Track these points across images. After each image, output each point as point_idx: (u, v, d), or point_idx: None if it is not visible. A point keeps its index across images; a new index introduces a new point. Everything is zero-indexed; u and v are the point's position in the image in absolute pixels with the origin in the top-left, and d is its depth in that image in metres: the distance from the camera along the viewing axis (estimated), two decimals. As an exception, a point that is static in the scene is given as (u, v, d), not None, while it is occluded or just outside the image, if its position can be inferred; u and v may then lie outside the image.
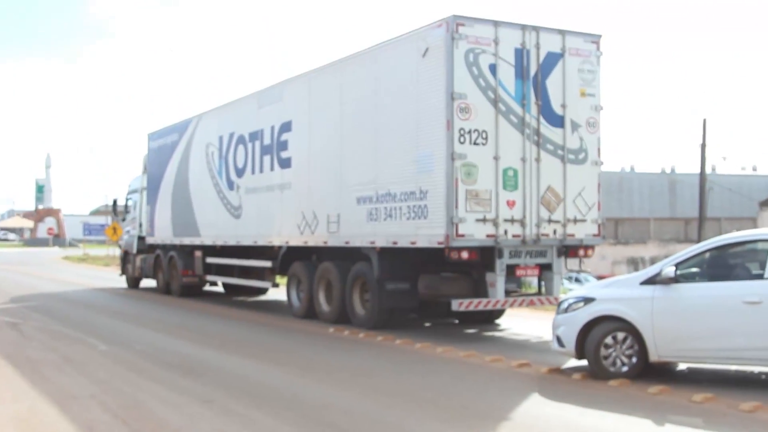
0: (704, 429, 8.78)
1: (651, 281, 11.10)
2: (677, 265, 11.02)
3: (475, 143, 15.13)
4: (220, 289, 28.83)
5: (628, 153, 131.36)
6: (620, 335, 11.22)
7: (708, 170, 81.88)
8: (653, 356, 11.05)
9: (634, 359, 11.22)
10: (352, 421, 9.28)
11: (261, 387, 11.38)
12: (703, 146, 38.97)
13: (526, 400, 10.30)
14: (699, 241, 40.04)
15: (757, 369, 11.57)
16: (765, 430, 8.72)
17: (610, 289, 11.72)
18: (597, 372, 11.30)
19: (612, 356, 11.26)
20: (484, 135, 15.23)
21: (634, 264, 67.79)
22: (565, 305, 11.89)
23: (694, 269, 11.17)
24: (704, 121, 38.79)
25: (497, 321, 18.39)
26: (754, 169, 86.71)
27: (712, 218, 64.55)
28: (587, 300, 11.58)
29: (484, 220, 15.16)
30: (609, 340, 11.24)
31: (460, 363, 13.09)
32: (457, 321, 18.52)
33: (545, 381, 11.55)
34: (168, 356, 14.27)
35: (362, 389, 11.14)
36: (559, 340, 11.88)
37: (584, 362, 11.75)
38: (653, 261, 70.52)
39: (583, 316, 11.50)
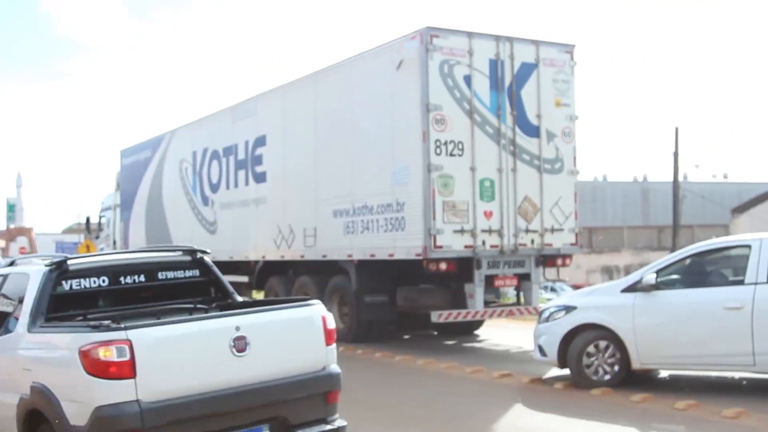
0: (689, 436, 8.75)
1: (632, 289, 11.09)
2: (658, 272, 11.01)
3: (451, 154, 15.09)
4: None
5: (601, 162, 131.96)
6: (602, 343, 11.19)
7: (680, 178, 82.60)
8: (635, 364, 11.03)
9: (616, 367, 11.19)
10: None
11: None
12: (676, 154, 39.20)
13: (509, 411, 10.27)
14: (673, 248, 40.24)
15: (738, 375, 11.57)
16: (749, 435, 8.70)
17: (591, 297, 11.70)
18: (579, 381, 11.26)
19: (594, 365, 11.23)
20: (460, 146, 15.20)
21: (609, 273, 67.98)
22: (546, 314, 11.86)
23: (675, 276, 11.17)
24: (676, 129, 39.04)
25: (476, 332, 18.35)
26: (725, 177, 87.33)
27: (685, 225, 64.78)
28: (568, 308, 11.55)
29: (462, 231, 15.11)
30: (591, 348, 11.21)
31: (442, 375, 13.02)
32: (436, 332, 18.45)
33: (528, 391, 11.50)
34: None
35: (343, 402, 10.95)
36: (540, 349, 11.84)
37: (566, 371, 11.71)
38: (627, 269, 70.80)
39: (564, 324, 11.46)
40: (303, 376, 7.11)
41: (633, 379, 11.32)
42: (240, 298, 9.06)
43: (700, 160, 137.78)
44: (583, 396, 10.81)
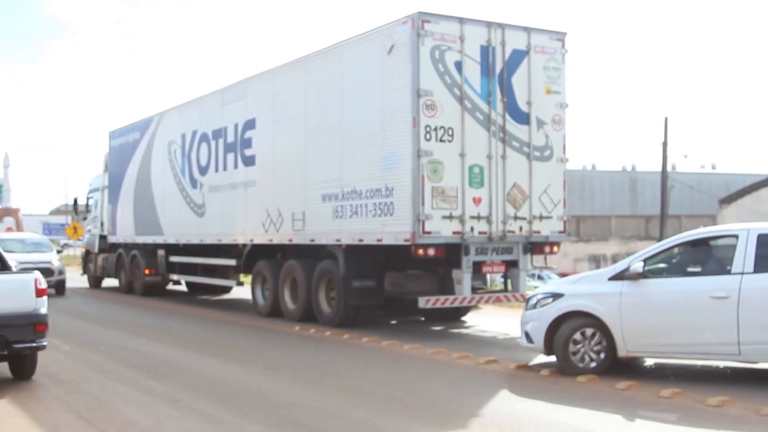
0: (674, 424, 8.76)
1: (619, 277, 11.11)
2: (645, 261, 11.04)
3: (441, 140, 15.09)
4: (183, 288, 28.64)
5: (589, 151, 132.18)
6: (588, 331, 11.22)
7: (668, 168, 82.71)
8: (621, 351, 11.07)
9: (602, 355, 11.23)
10: (321, 420, 9.18)
11: (228, 386, 11.24)
12: (665, 144, 39.24)
13: (495, 396, 10.27)
14: (661, 238, 40.34)
15: (722, 364, 11.61)
16: (733, 424, 8.72)
17: (578, 284, 11.72)
18: (565, 368, 11.29)
19: (580, 352, 11.26)
20: (450, 132, 15.20)
21: (596, 261, 68.13)
22: (533, 301, 11.87)
23: (662, 264, 11.21)
24: (666, 119, 39.06)
25: (463, 318, 18.38)
26: (713, 168, 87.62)
27: (672, 216, 64.98)
28: (556, 296, 11.57)
29: (451, 217, 15.13)
30: (578, 335, 11.24)
31: (428, 360, 13.03)
32: (423, 318, 18.47)
33: (514, 377, 11.53)
34: (132, 356, 14.09)
35: (330, 388, 11.05)
36: (527, 336, 11.86)
37: (552, 358, 11.75)
38: (615, 258, 71.03)
39: (551, 311, 11.48)
40: (19, 312, 11.20)
41: (619, 367, 11.36)
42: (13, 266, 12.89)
43: (689, 150, 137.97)
44: (569, 383, 10.84)
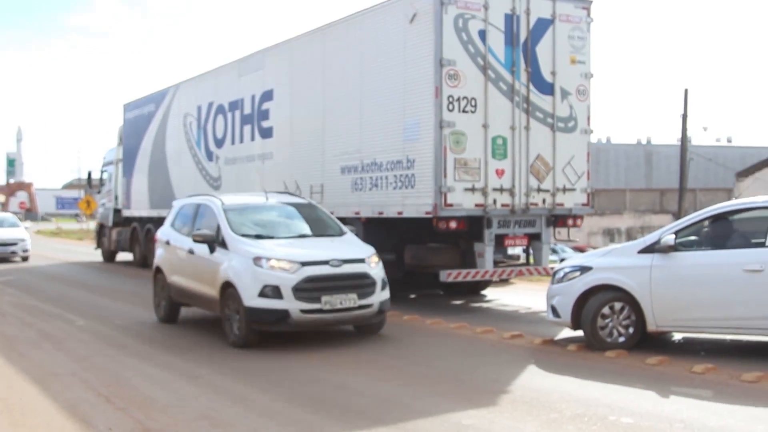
0: (710, 401, 8.47)
1: (649, 249, 10.80)
2: (676, 233, 10.72)
3: (463, 111, 14.77)
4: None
5: (604, 124, 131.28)
6: (617, 305, 10.93)
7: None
8: (651, 326, 10.77)
9: (630, 329, 10.94)
10: (345, 397, 8.94)
11: (246, 362, 11.00)
12: (684, 117, 38.62)
13: (522, 372, 10.00)
14: (679, 211, 39.90)
15: (754, 338, 11.30)
16: (773, 401, 8.45)
17: (607, 257, 11.38)
18: (593, 343, 11.01)
19: (609, 327, 10.98)
20: (473, 102, 14.88)
21: (610, 235, 67.78)
22: (560, 274, 11.58)
23: (693, 237, 10.88)
24: (686, 91, 38.34)
25: (483, 292, 18.11)
26: (729, 141, 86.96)
27: (688, 189, 64.56)
28: (584, 269, 11.27)
29: (473, 189, 14.84)
30: (606, 310, 10.96)
31: (451, 335, 12.78)
32: (442, 292, 18.19)
33: (540, 353, 11.24)
34: (149, 331, 13.89)
35: (352, 363, 10.81)
36: (554, 310, 11.57)
37: (579, 333, 11.49)
38: (629, 232, 70.81)
39: (579, 285, 11.19)
40: None
41: (647, 342, 11.07)
42: None
43: (705, 123, 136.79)
44: (598, 358, 10.56)
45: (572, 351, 11.11)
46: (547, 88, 15.69)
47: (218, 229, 12.73)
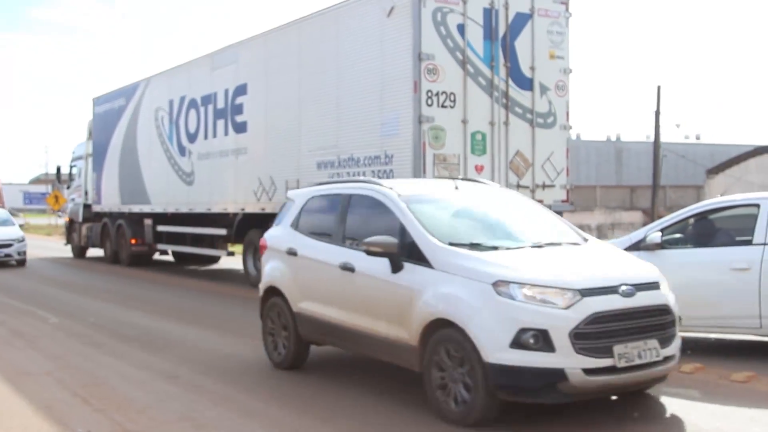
0: (701, 401, 8.35)
1: (635, 247, 10.62)
2: (662, 231, 10.60)
3: (443, 106, 14.61)
4: (169, 258, 28.09)
5: (574, 121, 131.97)
6: (603, 304, 10.69)
7: (653, 138, 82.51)
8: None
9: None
10: (335, 402, 8.74)
11: (226, 360, 10.79)
12: (657, 113, 38.74)
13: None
14: (653, 208, 40.01)
15: (740, 337, 11.21)
16: (764, 401, 8.33)
17: (591, 255, 11.18)
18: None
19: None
20: (452, 97, 14.72)
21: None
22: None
23: (680, 235, 10.76)
24: (658, 88, 38.47)
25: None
26: (698, 138, 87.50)
27: (659, 186, 64.89)
28: (568, 267, 11.02)
29: (453, 185, 14.63)
30: (592, 309, 10.70)
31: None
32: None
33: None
34: (124, 329, 13.59)
35: (336, 364, 10.61)
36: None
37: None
38: (600, 228, 70.98)
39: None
40: None
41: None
42: None
43: (675, 120, 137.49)
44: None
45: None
46: (526, 84, 15.58)
47: (403, 233, 8.22)
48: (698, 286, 10.25)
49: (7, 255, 26.91)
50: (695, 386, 8.94)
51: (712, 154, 73.11)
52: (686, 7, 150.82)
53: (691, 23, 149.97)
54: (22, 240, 27.37)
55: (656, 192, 39.70)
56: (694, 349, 10.88)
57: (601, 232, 70.73)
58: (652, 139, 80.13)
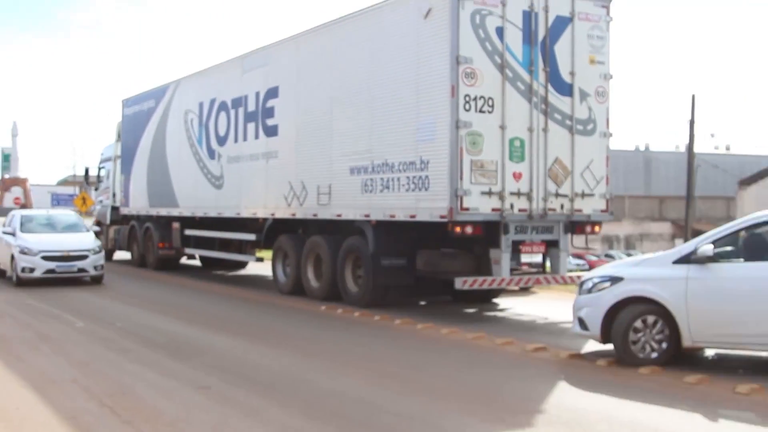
0: (762, 426, 7.89)
1: (685, 260, 10.19)
2: (714, 243, 10.13)
3: (480, 111, 14.18)
4: (196, 262, 27.81)
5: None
6: (650, 318, 10.31)
7: (683, 149, 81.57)
8: (687, 341, 10.17)
9: (664, 345, 10.33)
10: (367, 413, 8.34)
11: (257, 370, 10.42)
12: (692, 123, 38.08)
13: (553, 389, 9.40)
14: (686, 219, 39.35)
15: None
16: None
17: (639, 268, 10.77)
18: (625, 358, 10.40)
19: (641, 341, 10.36)
20: (490, 102, 14.29)
21: (609, 242, 67.41)
22: (589, 285, 10.95)
23: (732, 248, 10.26)
24: (693, 97, 38.10)
25: (495, 300, 17.50)
26: (728, 149, 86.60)
27: (684, 197, 64.13)
28: (614, 279, 10.66)
29: (490, 193, 14.24)
30: (638, 323, 10.33)
31: (470, 346, 12.16)
32: (450, 298, 17.55)
33: (568, 367, 10.62)
34: (151, 334, 13.27)
35: (370, 375, 10.22)
36: (581, 322, 10.95)
37: (606, 347, 10.90)
38: (628, 239, 70.37)
39: (609, 297, 10.57)
40: None
41: (680, 358, 10.48)
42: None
43: (707, 130, 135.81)
44: (631, 375, 9.95)
45: (602, 366, 10.50)
46: (566, 89, 15.11)
47: None
48: (754, 301, 9.81)
49: (81, 270, 21.02)
50: (753, 408, 8.48)
51: (742, 165, 72.21)
52: (718, 15, 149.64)
53: (720, 30, 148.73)
54: (99, 251, 21.74)
55: (690, 203, 38.99)
56: (745, 368, 10.44)
57: (630, 243, 70.22)
58: (681, 149, 79.44)
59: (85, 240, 21.92)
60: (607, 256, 56.28)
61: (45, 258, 20.62)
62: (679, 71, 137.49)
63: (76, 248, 21.11)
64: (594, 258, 52.58)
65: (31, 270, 20.58)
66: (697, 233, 45.31)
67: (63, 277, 20.76)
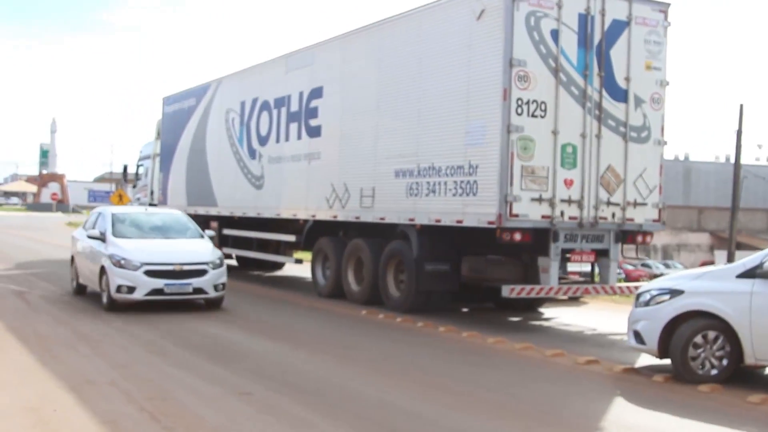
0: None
1: (750, 274, 9.75)
2: (782, 257, 9.68)
3: (533, 115, 13.79)
4: (233, 262, 27.52)
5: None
6: (711, 334, 9.88)
7: (723, 159, 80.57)
8: (749, 359, 9.73)
9: (724, 361, 9.90)
10: (418, 427, 7.98)
11: (302, 377, 10.09)
12: (739, 133, 37.35)
13: (611, 405, 9.00)
14: (731, 232, 38.60)
15: None
16: None
17: (700, 281, 10.34)
18: (683, 374, 9.97)
19: (701, 357, 9.93)
20: (542, 107, 13.90)
21: (646, 251, 66.55)
22: (646, 297, 10.53)
23: (799, 263, 9.82)
24: (741, 107, 37.15)
25: (540, 309, 17.09)
26: (757, 159, 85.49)
27: (723, 208, 63.24)
28: (674, 292, 10.23)
29: (540, 199, 13.83)
30: (698, 339, 9.90)
31: (519, 357, 11.76)
32: (493, 306, 17.15)
33: (623, 382, 10.20)
34: (191, 336, 12.98)
35: (418, 385, 9.86)
36: (637, 335, 10.53)
37: (661, 361, 10.48)
38: (665, 249, 69.50)
39: (668, 310, 10.15)
40: None
41: (738, 376, 10.04)
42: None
43: (755, 140, 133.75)
44: (691, 392, 9.52)
45: (659, 382, 10.07)
46: (621, 95, 14.68)
47: None
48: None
49: (197, 290, 15.68)
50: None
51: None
52: (757, 24, 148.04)
53: (758, 39, 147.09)
54: (221, 264, 16.22)
55: (735, 215, 38.25)
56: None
57: (667, 253, 69.36)
58: (721, 159, 78.36)
59: (201, 249, 16.49)
60: (644, 265, 55.47)
61: (149, 273, 15.39)
62: (723, 81, 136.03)
63: (191, 260, 15.77)
64: (630, 267, 51.85)
65: (131, 290, 15.32)
66: (737, 246, 44.64)
67: (172, 300, 15.71)
